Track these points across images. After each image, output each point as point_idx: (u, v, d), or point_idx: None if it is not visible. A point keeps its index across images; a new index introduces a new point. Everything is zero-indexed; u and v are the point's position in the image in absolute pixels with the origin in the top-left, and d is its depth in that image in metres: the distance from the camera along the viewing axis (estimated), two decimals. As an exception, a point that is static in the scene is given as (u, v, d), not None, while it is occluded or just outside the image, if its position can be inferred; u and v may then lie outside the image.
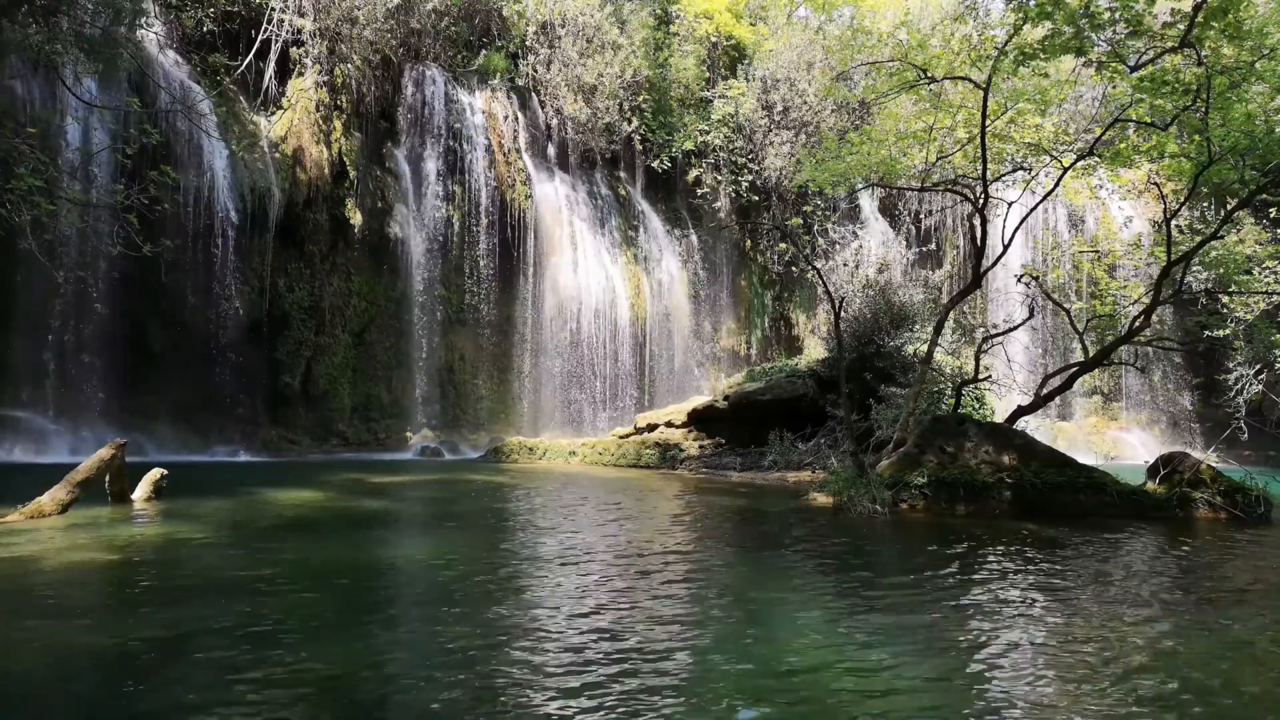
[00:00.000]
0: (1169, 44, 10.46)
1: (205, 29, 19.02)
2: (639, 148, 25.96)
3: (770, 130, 26.40)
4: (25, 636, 4.34)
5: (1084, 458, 13.71)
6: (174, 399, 17.71)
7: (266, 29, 19.37)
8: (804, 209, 26.34)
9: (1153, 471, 10.78)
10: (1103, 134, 12.27)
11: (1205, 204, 22.02)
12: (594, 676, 3.83)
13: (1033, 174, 13.69)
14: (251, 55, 19.31)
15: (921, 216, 29.00)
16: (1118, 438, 26.35)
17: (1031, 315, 14.05)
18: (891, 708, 3.57)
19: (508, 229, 22.64)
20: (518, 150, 23.42)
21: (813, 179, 15.14)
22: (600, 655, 4.15)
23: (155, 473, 9.53)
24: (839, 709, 3.55)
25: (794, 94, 26.40)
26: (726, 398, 18.05)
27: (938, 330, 13.12)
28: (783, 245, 26.75)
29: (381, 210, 21.13)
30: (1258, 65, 10.30)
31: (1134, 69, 10.89)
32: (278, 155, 19.23)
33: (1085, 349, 13.57)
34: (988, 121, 11.71)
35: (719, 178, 26.55)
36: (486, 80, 23.58)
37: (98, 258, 15.98)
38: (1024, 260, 26.09)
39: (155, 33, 17.95)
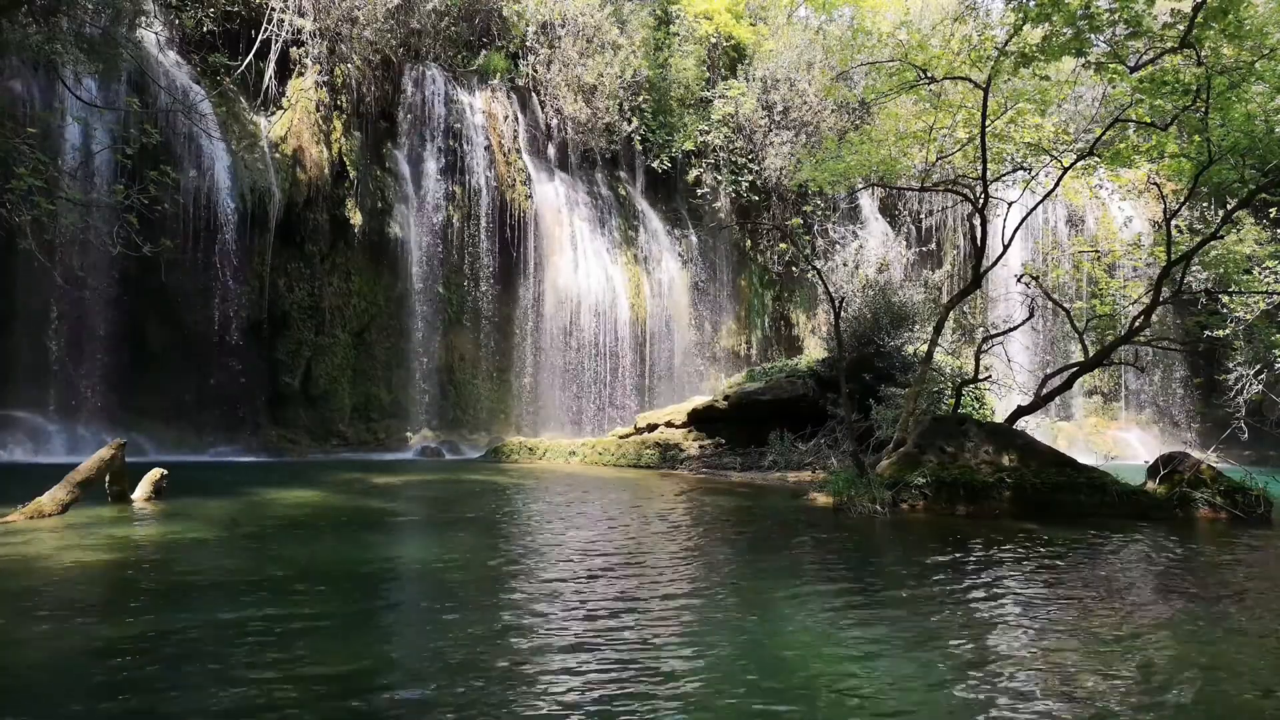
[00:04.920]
0: (1169, 44, 10.45)
1: (205, 29, 19.02)
2: (639, 148, 25.94)
3: (770, 130, 26.38)
4: (25, 636, 4.34)
5: (1084, 458, 13.71)
6: (174, 399, 17.70)
7: (266, 29, 19.36)
8: (804, 209, 26.33)
9: (1153, 471, 10.79)
10: (1103, 134, 12.26)
11: (1205, 204, 21.99)
12: (594, 678, 3.84)
13: (1033, 174, 13.68)
14: (251, 55, 19.30)
15: (921, 216, 28.99)
16: (1118, 438, 26.34)
17: (1031, 315, 14.05)
18: (891, 708, 3.57)
19: (508, 229, 22.63)
20: (518, 150, 23.41)
21: (813, 179, 15.16)
22: (601, 656, 4.15)
23: (155, 473, 9.54)
24: (838, 708, 3.55)
25: (794, 94, 26.39)
26: (726, 398, 18.04)
27: (938, 330, 13.12)
28: (783, 245, 26.73)
29: (381, 210, 21.13)
30: (1258, 65, 10.29)
31: (1134, 69, 10.88)
32: (278, 155, 19.21)
33: (1085, 349, 13.56)
34: (988, 121, 11.72)
35: (719, 178, 26.54)
36: (486, 80, 23.57)
37: (98, 257, 15.98)
38: (1024, 260, 26.06)
39: (155, 33, 17.94)
